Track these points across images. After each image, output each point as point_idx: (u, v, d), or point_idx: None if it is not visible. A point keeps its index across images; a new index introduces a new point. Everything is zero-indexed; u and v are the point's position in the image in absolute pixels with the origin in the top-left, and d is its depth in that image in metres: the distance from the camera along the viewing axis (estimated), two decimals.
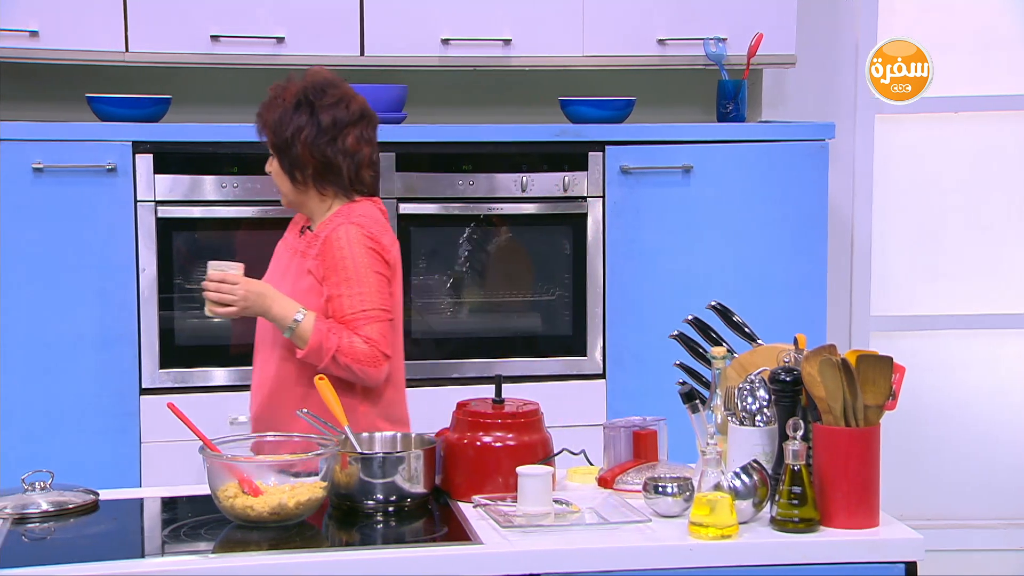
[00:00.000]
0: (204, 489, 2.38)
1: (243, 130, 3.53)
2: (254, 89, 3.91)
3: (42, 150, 3.40)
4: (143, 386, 3.51)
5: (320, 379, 2.58)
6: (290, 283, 2.83)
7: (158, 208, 3.49)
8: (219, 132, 3.54)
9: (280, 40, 3.64)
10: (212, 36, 3.59)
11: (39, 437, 3.42)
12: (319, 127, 2.81)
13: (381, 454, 2.44)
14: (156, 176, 3.48)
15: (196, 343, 3.57)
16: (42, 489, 2.39)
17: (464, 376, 3.67)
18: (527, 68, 3.80)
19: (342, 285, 2.75)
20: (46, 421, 3.45)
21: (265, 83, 3.89)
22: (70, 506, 2.37)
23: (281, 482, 2.32)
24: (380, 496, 2.39)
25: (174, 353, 3.54)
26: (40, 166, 3.40)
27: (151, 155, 3.48)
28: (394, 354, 2.84)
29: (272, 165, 2.88)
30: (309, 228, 2.90)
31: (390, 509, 2.39)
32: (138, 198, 3.48)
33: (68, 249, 3.44)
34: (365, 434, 2.58)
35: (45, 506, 2.36)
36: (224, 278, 2.75)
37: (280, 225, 3.56)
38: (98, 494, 2.45)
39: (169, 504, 2.53)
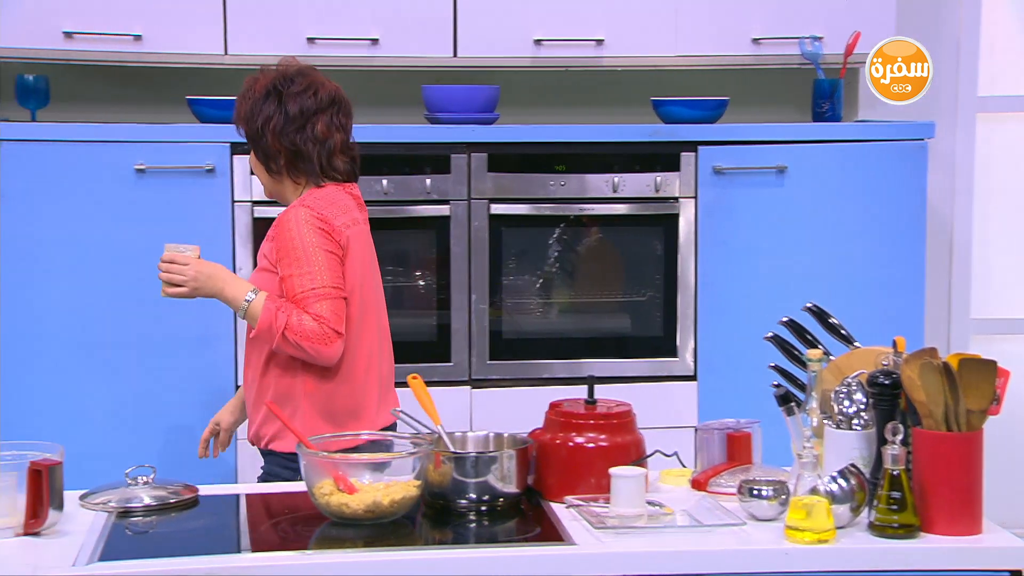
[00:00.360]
0: (299, 486, 2.41)
1: None
2: (349, 90, 3.96)
3: (144, 151, 3.47)
4: (239, 384, 3.56)
5: (414, 378, 2.60)
6: (256, 268, 2.87)
7: (254, 208, 3.54)
8: None
9: (375, 42, 3.68)
10: (308, 38, 3.64)
11: (140, 432, 3.49)
12: (286, 116, 2.82)
13: (474, 454, 2.45)
14: (253, 177, 3.53)
15: None
16: (145, 484, 2.44)
17: (553, 377, 3.67)
18: (620, 68, 3.79)
19: (292, 265, 2.74)
20: (146, 417, 3.52)
21: (360, 84, 3.95)
22: (171, 501, 2.41)
23: (376, 480, 2.33)
24: (473, 495, 2.39)
25: None
26: (142, 167, 3.47)
27: (247, 156, 3.52)
28: (354, 343, 2.80)
29: (252, 158, 2.91)
30: None
31: (483, 508, 2.40)
32: (235, 198, 3.53)
33: None
34: (458, 433, 2.59)
35: (147, 500, 2.40)
36: (174, 258, 2.79)
37: (373, 225, 3.60)
38: (197, 490, 2.49)
39: (265, 500, 2.56)
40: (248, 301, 2.76)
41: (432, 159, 3.62)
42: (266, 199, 3.51)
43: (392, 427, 2.95)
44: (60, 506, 2.21)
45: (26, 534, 2.18)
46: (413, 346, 3.65)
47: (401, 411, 2.59)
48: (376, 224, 3.58)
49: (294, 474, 2.55)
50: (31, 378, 3.45)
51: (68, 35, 3.52)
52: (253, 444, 2.92)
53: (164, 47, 3.58)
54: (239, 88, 3.73)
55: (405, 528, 2.34)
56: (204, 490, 2.50)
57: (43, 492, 2.17)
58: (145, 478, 2.45)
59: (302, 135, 2.82)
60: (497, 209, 3.65)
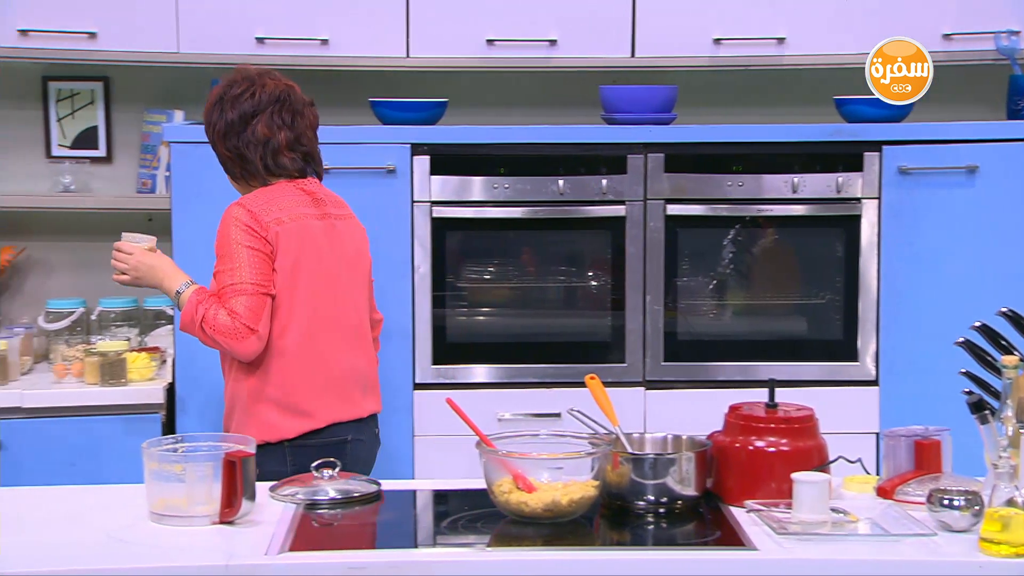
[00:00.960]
0: (475, 483, 2.44)
1: (515, 132, 3.62)
2: (528, 91, 4.01)
3: (327, 152, 3.50)
4: (416, 381, 3.62)
5: (591, 378, 2.60)
6: None
7: (433, 208, 3.60)
8: (492, 134, 3.61)
9: (553, 43, 3.69)
10: (488, 40, 3.68)
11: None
12: (227, 122, 2.88)
13: (652, 455, 2.44)
14: (432, 177, 3.59)
15: (466, 340, 3.66)
16: (330, 477, 2.50)
17: (728, 379, 3.62)
18: (801, 67, 3.72)
19: (220, 261, 2.82)
20: None
21: (539, 85, 4.00)
22: (355, 495, 2.46)
23: (554, 479, 2.34)
24: (651, 497, 2.38)
25: (445, 350, 3.64)
26: (326, 167, 3.54)
27: (428, 157, 3.59)
28: (289, 338, 2.82)
29: None
30: None
31: (661, 511, 2.39)
32: (415, 198, 3.59)
33: None
34: (636, 434, 2.58)
35: (332, 494, 2.45)
36: (121, 247, 2.95)
37: (549, 226, 3.64)
38: (380, 484, 2.53)
39: (445, 496, 2.59)
40: (178, 293, 2.88)
41: (608, 159, 3.61)
42: (445, 199, 3.59)
43: (368, 420, 2.99)
44: (252, 496, 2.28)
45: (221, 522, 2.26)
46: (587, 346, 3.65)
47: (577, 411, 2.59)
48: (550, 224, 3.63)
49: None
50: (210, 372, 3.56)
51: (260, 40, 3.64)
52: None
53: (349, 51, 3.67)
54: (421, 90, 3.83)
55: (583, 528, 2.34)
56: (387, 485, 2.55)
57: (237, 483, 2.24)
58: (330, 472, 2.51)
59: (243, 138, 2.89)
60: (673, 210, 3.62)
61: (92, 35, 3.60)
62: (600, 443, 2.42)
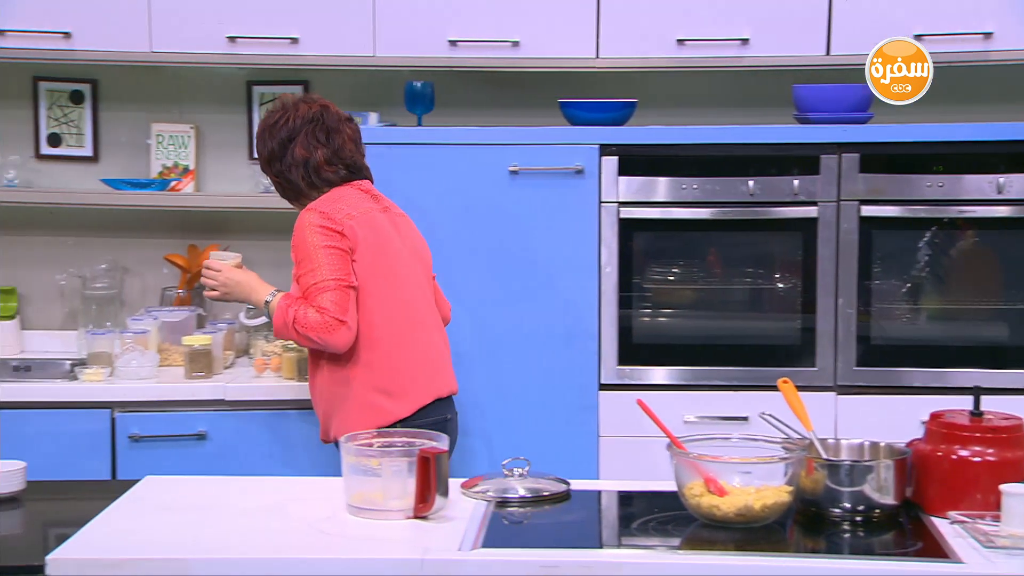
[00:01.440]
0: (660, 484, 2.42)
1: (705, 132, 3.59)
2: (718, 91, 3.97)
3: (517, 153, 3.58)
4: (602, 381, 3.62)
5: (784, 382, 2.55)
6: None
7: (620, 209, 3.59)
8: (681, 134, 3.58)
9: (745, 42, 3.64)
10: (678, 40, 3.65)
11: (512, 424, 3.60)
12: (269, 151, 3.06)
13: (849, 462, 2.38)
14: (619, 178, 3.58)
15: (652, 341, 3.64)
16: (520, 476, 2.51)
17: (924, 386, 3.51)
18: (1010, 63, 3.58)
19: (301, 265, 2.95)
20: (517, 409, 3.62)
21: (729, 85, 3.95)
22: (545, 494, 2.48)
23: (746, 483, 2.31)
24: (847, 504, 2.33)
25: (631, 351, 3.62)
26: (516, 168, 3.58)
27: (616, 157, 3.58)
28: (381, 324, 2.94)
29: None
30: None
31: (857, 519, 2.33)
32: (602, 199, 3.58)
33: (539, 247, 3.60)
34: (831, 439, 2.52)
35: (522, 492, 2.47)
36: (210, 265, 3.13)
37: (737, 227, 3.58)
38: (568, 483, 2.54)
39: (630, 498, 2.57)
40: (267, 303, 3.05)
41: (801, 160, 3.54)
42: (633, 200, 3.58)
43: (452, 399, 3.06)
44: (446, 493, 2.32)
45: (415, 517, 2.30)
46: (775, 349, 3.59)
47: (770, 415, 2.55)
48: (739, 225, 3.58)
49: None
50: None
51: (452, 43, 3.70)
52: (324, 442, 3.12)
53: (539, 52, 3.69)
54: (610, 91, 3.83)
55: (776, 534, 2.30)
56: (575, 484, 2.55)
57: (431, 479, 2.28)
58: (520, 470, 2.53)
59: (285, 162, 3.05)
60: (868, 211, 3.53)
61: (294, 40, 3.71)
62: (794, 448, 2.38)
